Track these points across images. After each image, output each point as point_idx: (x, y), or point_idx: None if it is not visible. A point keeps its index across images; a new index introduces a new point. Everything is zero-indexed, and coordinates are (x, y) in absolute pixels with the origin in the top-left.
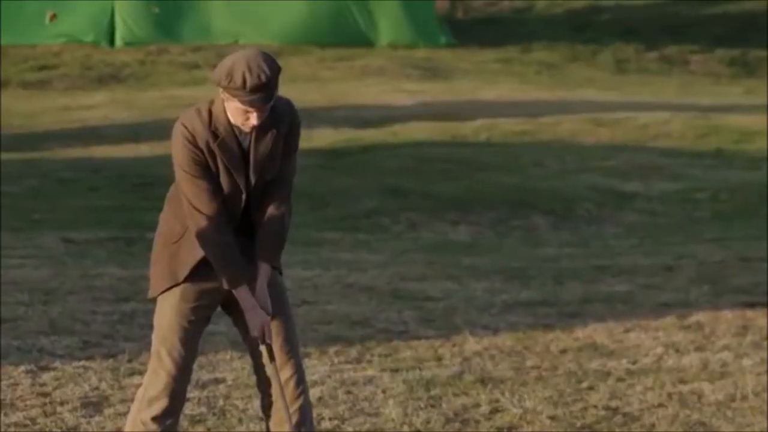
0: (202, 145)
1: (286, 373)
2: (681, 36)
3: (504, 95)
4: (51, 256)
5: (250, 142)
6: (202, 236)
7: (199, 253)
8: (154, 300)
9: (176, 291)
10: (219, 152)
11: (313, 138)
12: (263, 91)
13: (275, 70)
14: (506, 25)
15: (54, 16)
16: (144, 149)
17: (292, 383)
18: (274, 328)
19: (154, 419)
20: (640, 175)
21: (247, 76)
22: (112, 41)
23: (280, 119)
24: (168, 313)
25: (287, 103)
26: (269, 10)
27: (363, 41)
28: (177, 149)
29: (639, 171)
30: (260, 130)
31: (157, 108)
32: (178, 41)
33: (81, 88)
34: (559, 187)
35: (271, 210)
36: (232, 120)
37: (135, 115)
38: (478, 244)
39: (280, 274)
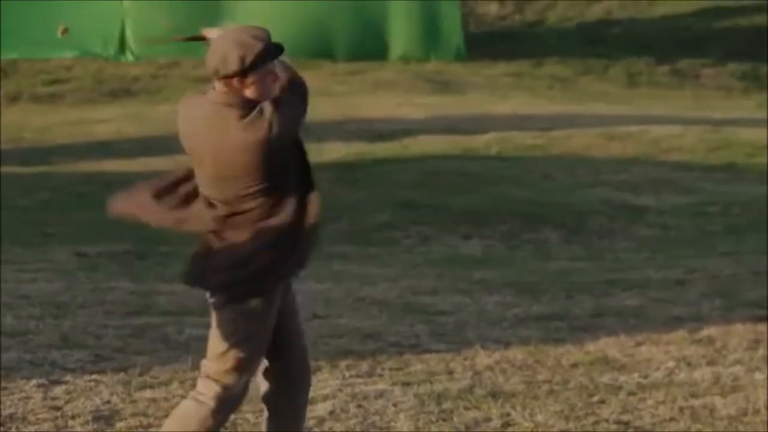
0: None
1: None
2: (692, 50)
3: (516, 109)
4: (63, 269)
5: None
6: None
7: None
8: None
9: None
10: None
11: (324, 151)
12: None
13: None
14: (518, 39)
15: (66, 30)
16: (156, 163)
17: None
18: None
19: None
20: (652, 188)
21: None
22: (124, 55)
23: None
24: None
25: None
26: (281, 24)
27: (375, 55)
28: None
29: (651, 185)
30: None
31: (170, 122)
32: (190, 55)
33: (93, 102)
34: (570, 201)
35: None
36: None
37: (147, 129)
38: (489, 257)
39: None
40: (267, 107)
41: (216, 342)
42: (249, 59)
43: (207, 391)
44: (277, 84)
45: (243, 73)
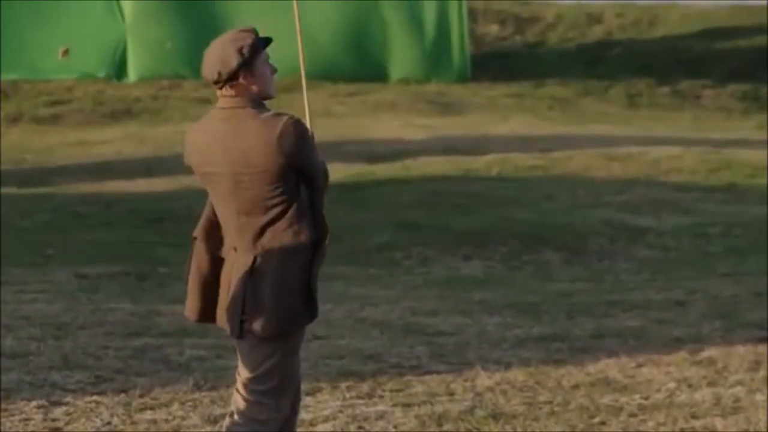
0: None
1: None
2: (693, 71)
3: (516, 130)
4: (63, 290)
5: None
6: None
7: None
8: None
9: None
10: None
11: None
12: None
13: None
14: (518, 60)
15: (66, 52)
16: (157, 184)
17: None
18: None
19: None
20: (653, 209)
21: None
22: (124, 76)
23: None
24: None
25: None
26: (280, 45)
27: (376, 76)
28: (310, 138)
29: (651, 206)
30: None
31: (170, 143)
32: (190, 76)
33: (94, 123)
34: (571, 222)
35: None
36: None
37: (148, 150)
38: (490, 278)
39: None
40: (286, 114)
41: (258, 364)
42: (247, 50)
43: (260, 413)
44: (274, 75)
45: (246, 64)
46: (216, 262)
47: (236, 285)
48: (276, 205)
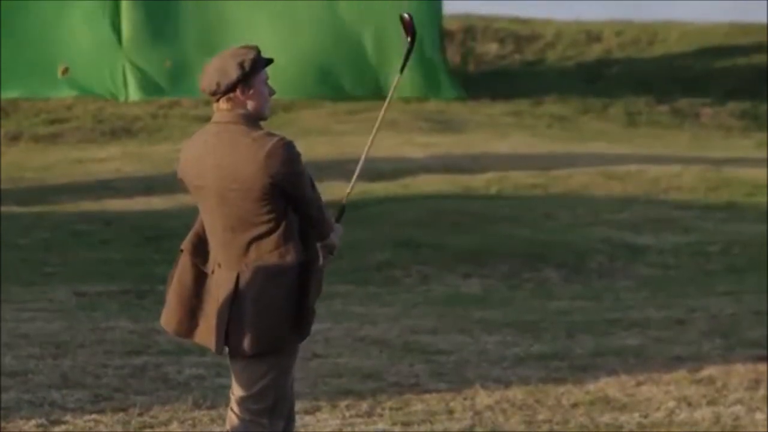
0: None
1: None
2: (692, 89)
3: (515, 148)
4: (62, 309)
5: None
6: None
7: None
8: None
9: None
10: None
11: (324, 190)
12: None
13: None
14: (517, 78)
15: (66, 70)
16: (156, 202)
17: None
18: None
19: None
20: (652, 228)
21: None
22: (124, 94)
23: None
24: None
25: None
26: (281, 64)
27: (375, 94)
28: (301, 163)
29: (651, 224)
30: None
31: (169, 161)
32: (190, 94)
33: (93, 141)
34: (570, 240)
35: None
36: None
37: (147, 168)
38: (489, 297)
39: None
40: (278, 135)
41: (252, 383)
42: (248, 64)
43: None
44: (271, 97)
45: (245, 78)
46: (199, 277)
47: (221, 303)
48: (262, 223)
